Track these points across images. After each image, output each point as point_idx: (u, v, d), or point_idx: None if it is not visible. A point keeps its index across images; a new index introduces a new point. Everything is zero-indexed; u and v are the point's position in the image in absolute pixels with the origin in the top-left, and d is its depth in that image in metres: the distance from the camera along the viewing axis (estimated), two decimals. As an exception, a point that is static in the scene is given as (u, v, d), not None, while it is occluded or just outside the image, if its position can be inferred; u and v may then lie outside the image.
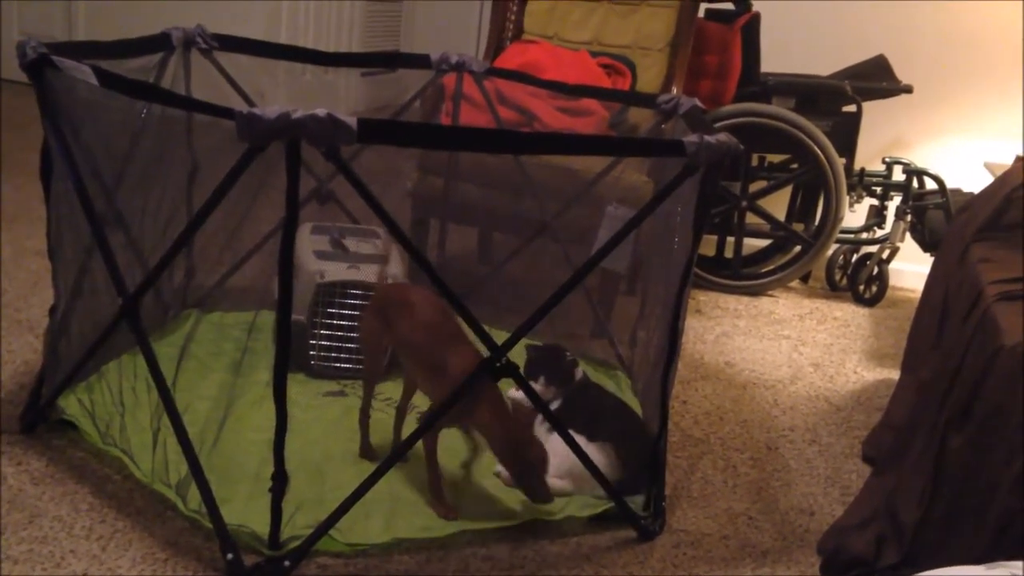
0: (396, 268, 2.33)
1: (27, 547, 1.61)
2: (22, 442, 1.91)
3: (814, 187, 3.47)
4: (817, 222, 3.45)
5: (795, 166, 3.47)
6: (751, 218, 3.47)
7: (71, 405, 1.97)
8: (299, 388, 2.21)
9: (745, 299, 3.45)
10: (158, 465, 1.81)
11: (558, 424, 1.82)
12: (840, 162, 3.31)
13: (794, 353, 2.97)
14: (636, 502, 1.90)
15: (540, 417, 1.97)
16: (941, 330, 2.25)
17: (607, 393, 2.23)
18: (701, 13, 3.17)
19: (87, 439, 1.90)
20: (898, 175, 3.47)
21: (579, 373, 2.15)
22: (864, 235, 3.57)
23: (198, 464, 1.65)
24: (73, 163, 1.76)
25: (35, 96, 1.77)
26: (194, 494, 1.68)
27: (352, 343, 2.29)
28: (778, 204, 3.58)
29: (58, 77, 1.72)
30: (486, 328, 1.68)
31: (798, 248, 3.50)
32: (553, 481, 1.89)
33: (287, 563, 1.61)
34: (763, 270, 3.55)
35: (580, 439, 1.90)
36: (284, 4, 4.55)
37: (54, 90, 1.76)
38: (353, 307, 2.27)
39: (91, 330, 1.90)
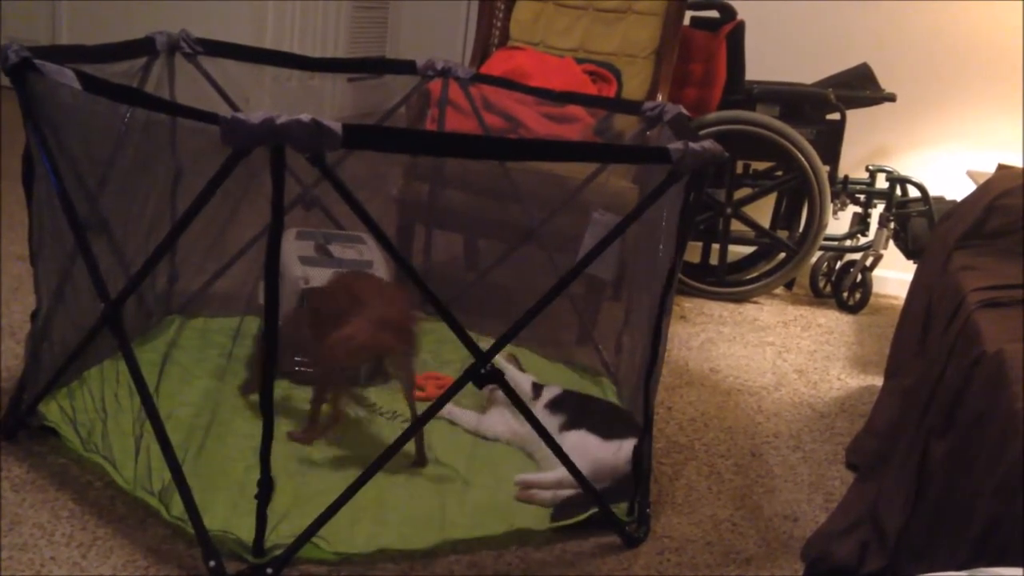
0: (380, 273, 2.32)
1: (7, 554, 1.60)
2: (3, 448, 1.89)
3: (798, 194, 3.49)
4: (801, 229, 3.47)
5: (779, 173, 3.49)
6: (736, 225, 3.48)
7: (52, 411, 1.95)
8: (283, 394, 2.20)
9: (730, 306, 3.46)
10: (140, 472, 1.80)
11: (542, 429, 1.82)
12: (824, 170, 3.33)
13: (778, 360, 2.98)
14: (620, 508, 1.90)
15: (558, 420, 1.97)
16: (924, 337, 2.26)
17: (599, 398, 2.25)
18: (686, 21, 3.18)
19: (69, 445, 1.89)
20: (881, 183, 3.50)
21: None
22: (848, 242, 3.59)
23: (180, 471, 1.64)
24: (56, 168, 1.75)
25: (17, 100, 1.76)
26: (177, 501, 1.66)
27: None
28: (762, 211, 3.60)
29: (41, 81, 1.71)
30: (471, 335, 1.68)
31: (782, 255, 3.52)
32: (570, 493, 1.89)
33: (270, 570, 1.60)
34: (747, 277, 3.57)
35: (593, 438, 1.91)
36: (270, 5, 4.54)
37: (37, 94, 1.74)
38: (338, 313, 2.26)
39: (73, 336, 1.89)
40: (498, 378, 1.72)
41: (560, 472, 1.87)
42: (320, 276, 2.26)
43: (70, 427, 1.92)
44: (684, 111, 2.23)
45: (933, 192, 3.41)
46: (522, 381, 2.17)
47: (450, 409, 2.15)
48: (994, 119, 3.60)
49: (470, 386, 1.69)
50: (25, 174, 1.84)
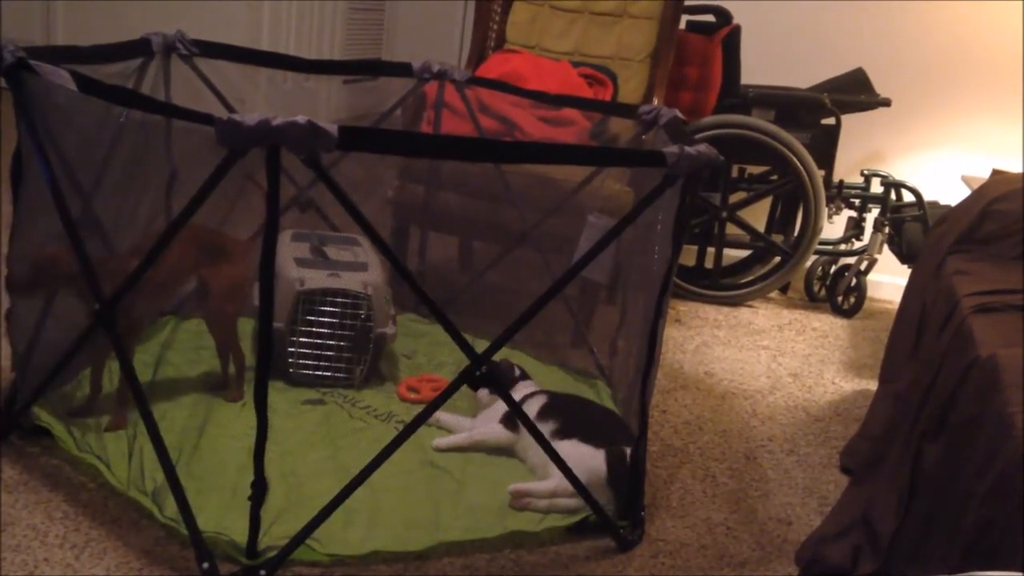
0: (375, 275, 2.33)
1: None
2: (-4, 449, 1.89)
3: (793, 198, 3.50)
4: (796, 233, 3.48)
5: (775, 177, 3.49)
6: (731, 229, 3.48)
7: (46, 412, 1.94)
8: (278, 396, 2.20)
9: (725, 309, 3.47)
10: (134, 472, 1.80)
11: (537, 432, 1.82)
12: (819, 174, 3.34)
13: (773, 363, 2.99)
14: (612, 511, 1.90)
15: (549, 428, 1.97)
16: (918, 341, 2.27)
17: (592, 402, 2.25)
18: (682, 25, 3.19)
19: (62, 446, 1.88)
20: (876, 187, 3.50)
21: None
22: (842, 247, 3.60)
23: (174, 472, 1.64)
24: (50, 168, 1.75)
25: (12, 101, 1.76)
26: (170, 502, 1.66)
27: (332, 351, 2.28)
28: (758, 215, 3.60)
29: (36, 82, 1.71)
30: (466, 337, 1.68)
31: (777, 259, 3.52)
32: (566, 502, 1.89)
33: (263, 572, 1.60)
34: (742, 281, 3.57)
35: (586, 448, 1.90)
36: (266, 6, 4.54)
37: (32, 95, 1.74)
38: (333, 315, 2.26)
39: (66, 336, 1.88)
40: (492, 380, 1.72)
41: (554, 481, 1.87)
42: (316, 278, 2.26)
43: (63, 427, 1.91)
44: (679, 115, 2.23)
45: (927, 197, 3.42)
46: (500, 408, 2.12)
47: (439, 416, 2.15)
48: (989, 124, 3.62)
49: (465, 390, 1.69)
50: (13, 173, 1.84)
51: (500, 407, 2.08)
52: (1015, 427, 1.36)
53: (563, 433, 1.95)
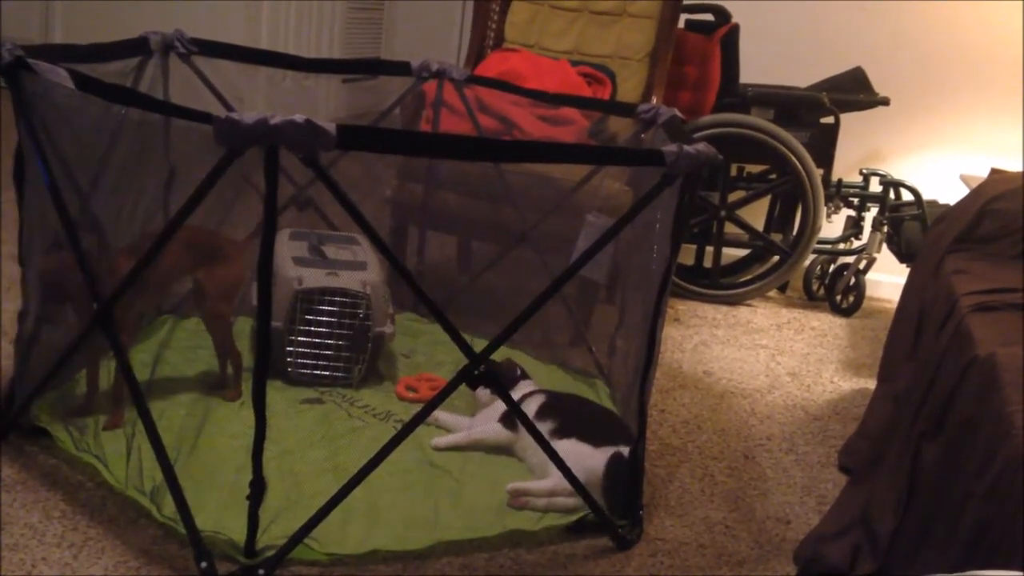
0: (374, 274, 2.32)
1: (-3, 555, 1.59)
2: (-6, 448, 1.89)
3: (792, 198, 3.50)
4: (795, 232, 3.48)
5: (773, 176, 3.49)
6: (730, 228, 3.48)
7: (44, 411, 1.94)
8: (276, 395, 2.19)
9: (723, 308, 3.47)
10: (132, 472, 1.80)
11: (536, 431, 1.82)
12: (818, 173, 3.34)
13: (771, 362, 2.99)
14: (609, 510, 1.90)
15: (548, 428, 1.97)
16: (917, 340, 2.27)
17: (591, 401, 2.25)
18: (681, 24, 3.19)
19: (60, 445, 1.88)
20: (875, 186, 3.50)
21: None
22: (841, 246, 3.60)
23: (172, 471, 1.64)
24: (48, 167, 1.74)
25: (11, 100, 1.76)
26: (168, 501, 1.66)
27: (330, 350, 2.28)
28: (756, 214, 3.60)
29: (34, 80, 1.71)
30: (465, 336, 1.68)
31: (776, 258, 3.52)
32: (564, 501, 1.89)
33: (261, 572, 1.60)
34: (741, 280, 3.57)
35: (585, 447, 1.90)
36: (265, 5, 4.53)
37: (30, 93, 1.74)
38: (331, 314, 2.26)
39: (64, 336, 1.88)
40: (491, 379, 1.72)
41: (553, 480, 1.87)
42: (314, 277, 2.26)
43: (62, 427, 1.91)
44: (678, 114, 2.23)
45: (926, 196, 3.42)
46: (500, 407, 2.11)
47: (438, 415, 2.15)
48: (988, 123, 3.61)
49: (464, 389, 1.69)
50: (16, 173, 1.83)
51: (499, 406, 2.07)
52: (1014, 426, 1.36)
53: (562, 432, 1.95)
